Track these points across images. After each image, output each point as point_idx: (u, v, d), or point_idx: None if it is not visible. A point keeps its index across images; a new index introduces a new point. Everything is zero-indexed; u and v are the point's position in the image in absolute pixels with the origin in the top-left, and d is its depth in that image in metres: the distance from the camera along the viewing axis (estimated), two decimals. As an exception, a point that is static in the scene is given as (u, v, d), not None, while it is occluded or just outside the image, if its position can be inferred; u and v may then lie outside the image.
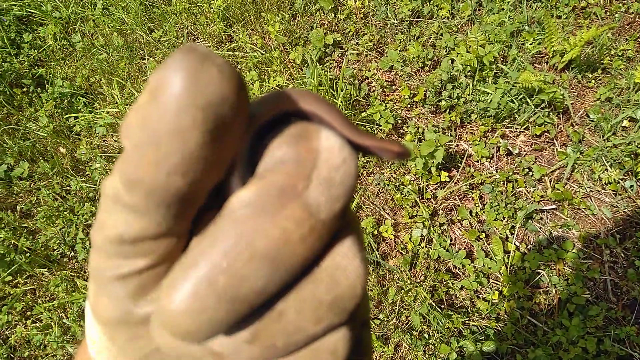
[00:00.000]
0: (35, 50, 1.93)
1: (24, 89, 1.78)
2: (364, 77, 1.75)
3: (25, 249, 1.45)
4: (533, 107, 1.58)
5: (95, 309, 0.19)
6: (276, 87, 1.71)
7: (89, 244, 1.47)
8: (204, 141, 0.15)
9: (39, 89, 1.80)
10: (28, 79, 1.79)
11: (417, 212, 1.49)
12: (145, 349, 0.20)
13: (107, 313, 0.19)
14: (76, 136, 1.70)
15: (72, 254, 1.49)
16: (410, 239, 1.44)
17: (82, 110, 1.74)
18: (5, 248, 1.42)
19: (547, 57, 1.72)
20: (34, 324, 1.40)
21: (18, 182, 1.59)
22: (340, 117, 0.20)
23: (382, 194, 1.54)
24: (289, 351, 0.18)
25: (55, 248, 1.48)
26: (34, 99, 1.76)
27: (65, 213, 1.50)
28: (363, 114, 1.61)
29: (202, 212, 0.19)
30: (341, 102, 1.61)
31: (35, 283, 1.44)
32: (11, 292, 1.42)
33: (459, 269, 1.43)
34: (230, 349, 0.18)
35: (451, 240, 1.47)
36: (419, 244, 1.44)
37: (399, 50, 1.75)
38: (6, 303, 1.41)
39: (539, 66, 1.73)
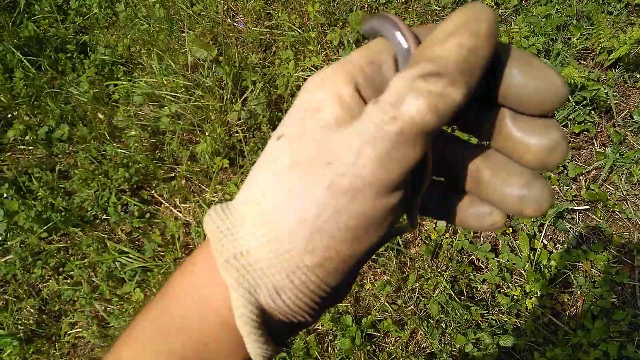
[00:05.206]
0: (81, 18, 1.98)
1: (68, 55, 1.83)
2: (401, 62, 1.73)
3: (61, 208, 1.51)
4: (574, 104, 1.53)
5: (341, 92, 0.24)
6: (311, 67, 1.71)
7: (121, 208, 1.52)
8: (491, 44, 0.22)
9: (82, 55, 1.85)
10: (72, 45, 1.85)
11: (444, 202, 1.47)
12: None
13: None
14: (114, 103, 1.75)
15: (104, 216, 1.54)
16: (434, 228, 1.43)
17: (121, 78, 1.78)
18: (42, 206, 1.49)
19: (594, 53, 1.66)
20: (65, 280, 1.46)
21: (58, 144, 1.65)
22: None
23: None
24: None
25: (88, 209, 1.54)
26: (76, 64, 1.81)
27: (100, 177, 1.55)
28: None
29: None
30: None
31: (68, 241, 1.50)
32: (46, 248, 1.49)
33: (482, 262, 1.42)
34: None
35: (476, 233, 1.45)
36: (444, 234, 1.43)
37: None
38: (40, 258, 1.48)
39: (584, 62, 1.67)
